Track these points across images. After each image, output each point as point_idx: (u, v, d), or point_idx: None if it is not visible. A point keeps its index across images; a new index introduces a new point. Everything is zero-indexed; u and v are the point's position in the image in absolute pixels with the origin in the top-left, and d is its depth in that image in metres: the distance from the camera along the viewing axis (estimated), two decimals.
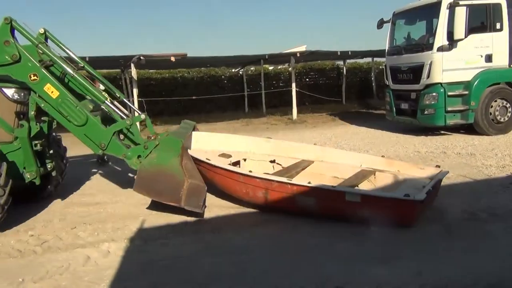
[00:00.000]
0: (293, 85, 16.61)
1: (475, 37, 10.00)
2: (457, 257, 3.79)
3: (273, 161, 6.55)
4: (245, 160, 6.62)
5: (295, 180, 5.26)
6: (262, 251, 4.20)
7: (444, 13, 9.95)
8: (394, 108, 11.66)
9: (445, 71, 10.07)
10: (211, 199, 6.05)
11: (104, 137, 5.32)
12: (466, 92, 10.11)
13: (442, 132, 10.98)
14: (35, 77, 5.18)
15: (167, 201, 5.06)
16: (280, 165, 6.48)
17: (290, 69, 18.63)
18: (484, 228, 4.50)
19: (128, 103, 6.18)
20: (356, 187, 5.27)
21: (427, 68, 10.25)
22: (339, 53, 17.17)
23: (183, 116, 15.63)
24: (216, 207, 5.63)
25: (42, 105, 5.30)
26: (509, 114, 10.42)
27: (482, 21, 10.15)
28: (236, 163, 6.48)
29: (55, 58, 5.36)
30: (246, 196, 5.41)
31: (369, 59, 22.16)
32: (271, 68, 22.88)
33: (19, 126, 5.41)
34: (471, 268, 3.56)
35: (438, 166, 5.79)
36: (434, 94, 10.21)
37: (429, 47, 10.24)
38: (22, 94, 5.46)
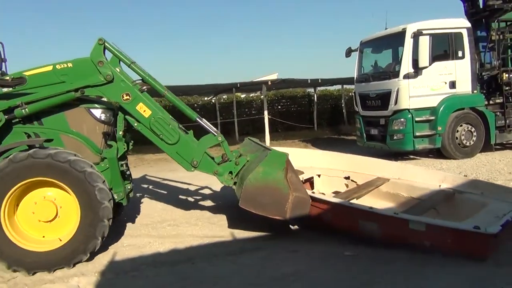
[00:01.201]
0: (265, 112, 16.79)
1: (439, 64, 10.39)
2: (428, 281, 3.84)
3: (347, 178, 6.36)
4: (319, 176, 6.45)
5: (356, 203, 5.11)
6: (237, 280, 4.16)
7: (408, 41, 10.34)
8: (364, 134, 11.89)
9: (412, 98, 10.39)
10: (183, 228, 5.99)
11: (197, 154, 5.42)
12: (433, 118, 10.43)
13: (412, 156, 11.23)
14: (128, 97, 5.21)
15: (272, 215, 5.03)
16: (355, 182, 6.28)
17: (262, 96, 18.85)
18: None
19: (202, 122, 5.79)
20: (429, 210, 4.97)
21: (394, 94, 10.56)
22: (309, 81, 17.52)
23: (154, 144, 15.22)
24: (189, 237, 5.56)
25: (135, 124, 5.35)
26: (474, 138, 10.76)
27: (445, 49, 10.57)
28: (308, 180, 6.30)
29: (147, 77, 5.41)
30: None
31: (339, 87, 22.65)
32: (243, 96, 23.11)
33: (105, 147, 5.40)
34: None
35: None
36: (402, 119, 10.49)
37: (396, 74, 10.58)
38: (108, 114, 5.45)
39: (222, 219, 6.43)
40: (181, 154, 5.42)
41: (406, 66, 10.37)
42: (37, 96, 5.03)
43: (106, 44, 5.17)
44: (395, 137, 10.68)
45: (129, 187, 5.74)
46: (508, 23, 11.07)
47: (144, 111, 5.25)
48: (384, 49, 11.89)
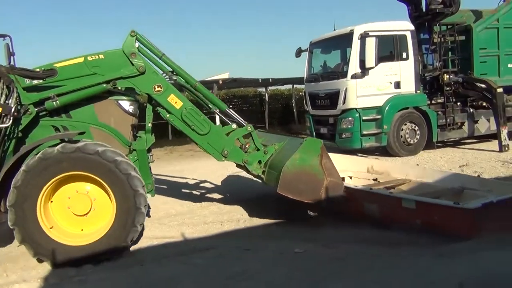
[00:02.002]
0: (217, 111, 16.64)
1: (384, 65, 10.75)
2: (379, 275, 3.95)
3: (375, 179, 6.64)
4: (351, 177, 6.78)
5: (359, 186, 5.67)
6: (187, 281, 4.10)
7: (356, 43, 10.62)
8: (314, 133, 12.10)
9: (359, 97, 10.68)
10: None
11: (227, 144, 5.55)
12: (379, 117, 10.77)
13: (359, 154, 11.53)
14: (160, 88, 5.26)
15: (308, 200, 5.26)
16: (380, 183, 6.57)
17: None
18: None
19: (232, 113, 6.02)
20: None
21: (342, 94, 10.81)
22: (260, 80, 17.61)
23: None
24: (138, 238, 5.44)
25: (167, 116, 5.39)
26: (417, 137, 11.20)
27: (391, 50, 10.93)
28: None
29: (178, 68, 5.54)
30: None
31: (289, 86, 22.91)
32: None
33: (133, 139, 5.46)
34: (388, 284, 3.71)
35: None
36: (350, 118, 10.76)
37: (344, 74, 10.85)
38: (135, 106, 5.50)
39: (172, 220, 6.34)
40: (212, 144, 5.53)
41: (353, 67, 10.66)
42: (68, 88, 5.00)
43: (138, 36, 5.22)
44: (343, 136, 10.96)
45: (153, 180, 5.71)
46: (449, 26, 11.60)
47: (176, 102, 5.33)
48: (333, 50, 12.16)
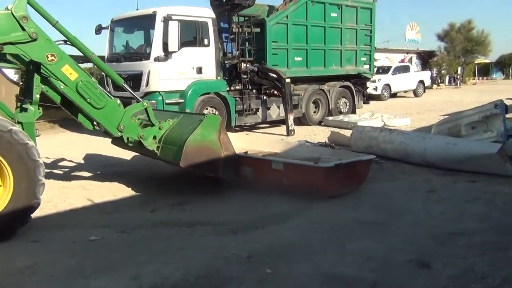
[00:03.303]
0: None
1: (187, 50, 10.88)
2: (172, 256, 4.03)
3: (245, 152, 6.84)
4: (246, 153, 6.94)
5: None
6: None
7: (159, 25, 10.48)
8: None
9: (162, 80, 10.63)
10: None
11: (123, 119, 5.53)
12: (182, 101, 10.91)
13: None
14: (53, 58, 4.95)
15: (208, 173, 5.74)
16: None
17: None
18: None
19: (128, 88, 6.22)
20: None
21: (145, 76, 10.62)
22: None
23: None
24: None
25: (62, 87, 5.11)
26: None
27: (194, 36, 11.14)
28: None
29: (74, 39, 5.28)
30: None
31: (90, 65, 21.49)
32: None
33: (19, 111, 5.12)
34: (183, 264, 3.83)
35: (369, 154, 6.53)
36: (153, 101, 10.62)
37: (147, 56, 10.64)
38: (19, 75, 5.09)
39: None
40: (108, 118, 5.49)
41: (156, 49, 10.52)
42: None
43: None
44: None
45: None
46: (246, 18, 12.36)
47: (71, 73, 5.11)
48: (136, 30, 11.81)
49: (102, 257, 4.03)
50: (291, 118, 11.94)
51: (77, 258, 4.03)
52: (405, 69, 27.62)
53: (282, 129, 12.54)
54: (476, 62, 44.04)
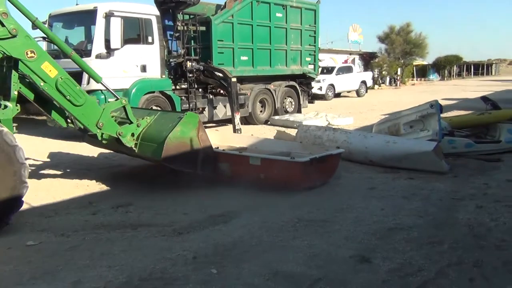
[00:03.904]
0: None
1: (131, 47, 10.61)
2: (115, 259, 3.92)
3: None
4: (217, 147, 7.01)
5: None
6: None
7: (100, 21, 10.15)
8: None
9: (104, 78, 10.24)
10: None
11: (102, 116, 5.60)
12: (126, 99, 10.62)
13: None
14: (33, 54, 4.98)
15: (186, 169, 5.88)
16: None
17: None
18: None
19: (106, 86, 6.28)
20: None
21: (86, 74, 10.22)
22: None
23: None
24: None
25: (42, 84, 5.13)
26: None
27: (138, 33, 10.88)
28: None
29: (53, 36, 5.56)
30: None
31: None
32: None
33: None
34: (126, 267, 3.74)
35: (338, 147, 6.76)
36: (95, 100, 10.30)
37: (88, 53, 10.26)
38: None
39: None
40: (87, 115, 5.52)
41: (98, 46, 10.18)
42: None
43: None
44: None
45: None
46: (191, 16, 12.25)
47: (50, 70, 5.13)
48: (76, 26, 11.39)
49: (40, 263, 3.87)
50: (237, 117, 11.95)
51: (13, 265, 3.84)
52: (348, 69, 28.46)
53: (229, 128, 12.55)
54: (414, 63, 46.16)
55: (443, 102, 13.33)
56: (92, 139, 6.35)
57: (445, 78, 54.10)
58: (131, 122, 5.90)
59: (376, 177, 6.77)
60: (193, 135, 5.83)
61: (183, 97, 12.02)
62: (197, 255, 3.94)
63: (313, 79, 16.36)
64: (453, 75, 57.11)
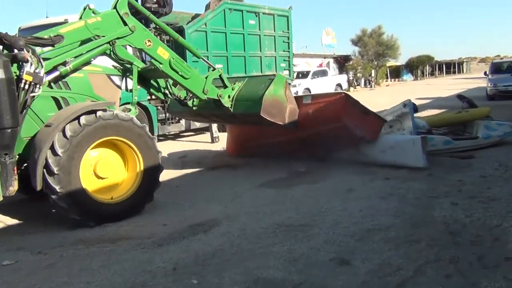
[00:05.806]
0: None
1: (104, 58, 10.44)
2: (95, 275, 3.87)
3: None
4: None
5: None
6: None
7: None
8: None
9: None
10: None
11: (206, 84, 6.68)
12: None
13: None
14: (150, 43, 6.03)
15: (277, 121, 6.82)
16: None
17: None
18: None
19: (205, 60, 7.72)
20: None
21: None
22: None
23: None
24: None
25: (161, 65, 6.03)
26: None
27: None
28: None
29: (164, 26, 6.76)
30: None
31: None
32: None
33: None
34: (106, 282, 3.69)
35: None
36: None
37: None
38: (121, 81, 6.30)
39: None
40: (196, 85, 6.59)
41: None
42: (77, 52, 5.43)
43: None
44: None
45: None
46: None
47: (164, 53, 6.14)
48: None
49: (17, 282, 3.80)
50: (215, 125, 11.94)
51: None
52: (323, 73, 28.79)
53: (206, 136, 12.53)
54: (388, 65, 46.96)
55: (417, 102, 13.59)
56: (177, 109, 8.08)
57: (419, 78, 55.17)
58: (226, 87, 6.99)
59: (354, 179, 6.84)
60: (282, 93, 6.88)
61: (159, 107, 11.97)
62: (177, 266, 3.92)
63: (289, 84, 16.42)
64: (426, 75, 58.29)
